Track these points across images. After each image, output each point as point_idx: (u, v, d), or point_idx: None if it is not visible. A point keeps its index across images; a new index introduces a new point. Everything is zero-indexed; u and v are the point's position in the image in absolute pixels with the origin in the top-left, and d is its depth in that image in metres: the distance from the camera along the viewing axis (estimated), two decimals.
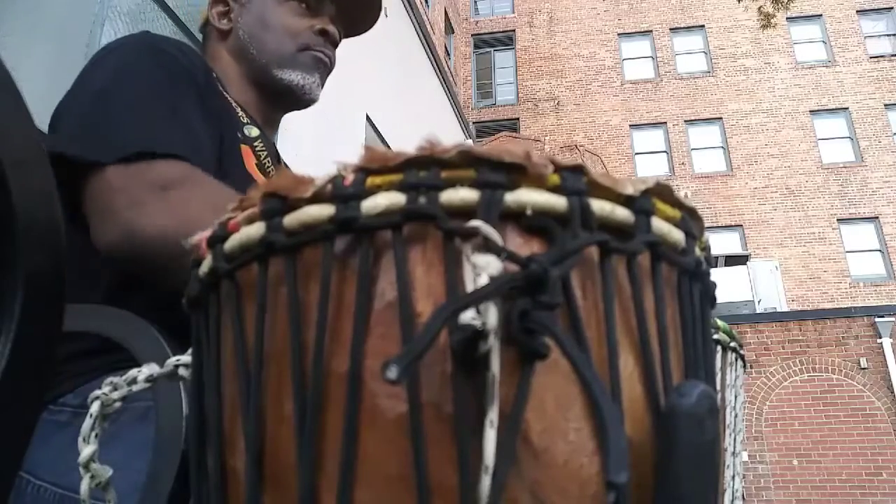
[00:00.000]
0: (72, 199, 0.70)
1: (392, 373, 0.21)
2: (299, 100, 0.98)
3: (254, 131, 0.91)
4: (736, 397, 0.71)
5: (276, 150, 1.00)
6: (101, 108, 0.72)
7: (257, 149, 0.89)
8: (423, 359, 0.23)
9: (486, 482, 0.22)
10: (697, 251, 0.31)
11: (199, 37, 1.03)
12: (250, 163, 0.86)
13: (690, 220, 0.30)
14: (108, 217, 0.68)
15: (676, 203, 0.29)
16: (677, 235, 0.29)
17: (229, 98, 0.90)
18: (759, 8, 10.17)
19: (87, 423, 0.37)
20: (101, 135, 0.70)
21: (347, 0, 1.00)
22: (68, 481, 0.60)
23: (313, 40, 0.96)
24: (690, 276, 0.30)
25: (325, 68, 0.98)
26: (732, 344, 0.71)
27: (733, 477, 0.68)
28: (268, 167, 0.90)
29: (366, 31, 1.06)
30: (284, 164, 1.02)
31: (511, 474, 0.23)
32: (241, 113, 0.91)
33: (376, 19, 1.06)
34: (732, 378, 0.71)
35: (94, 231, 0.69)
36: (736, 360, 0.72)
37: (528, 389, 0.23)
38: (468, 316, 0.22)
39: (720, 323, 0.69)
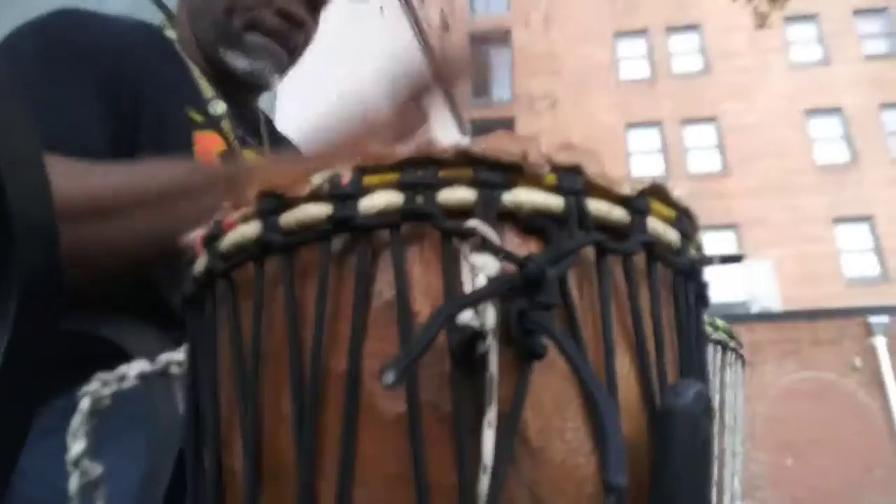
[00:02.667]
0: None
1: (389, 377, 0.21)
2: (249, 87, 0.84)
3: (219, 108, 0.78)
4: (735, 397, 0.71)
5: (257, 116, 0.89)
6: None
7: (225, 130, 0.78)
8: (421, 359, 0.23)
9: (484, 481, 0.22)
10: (692, 251, 0.31)
11: None
12: (209, 150, 0.75)
13: (685, 220, 0.30)
14: None
15: (671, 203, 0.29)
16: (672, 235, 0.29)
17: (191, 68, 0.80)
18: (754, 8, 10.19)
19: (77, 418, 0.37)
20: None
21: None
22: (57, 484, 0.60)
23: (267, 20, 0.80)
24: (685, 275, 0.30)
25: (281, 55, 0.83)
26: (732, 344, 0.71)
27: (732, 476, 0.69)
28: (233, 143, 0.78)
29: None
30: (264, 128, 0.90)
31: (509, 473, 0.23)
32: (203, 84, 0.80)
33: None
34: (732, 378, 0.71)
35: None
36: (735, 359, 0.72)
37: (525, 389, 0.23)
38: (466, 317, 0.22)
39: (720, 323, 0.69)
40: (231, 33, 0.79)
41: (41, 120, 0.65)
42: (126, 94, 0.72)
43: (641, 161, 16.01)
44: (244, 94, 0.87)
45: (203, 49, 0.82)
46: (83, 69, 0.71)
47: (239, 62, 0.80)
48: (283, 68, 0.85)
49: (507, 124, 16.93)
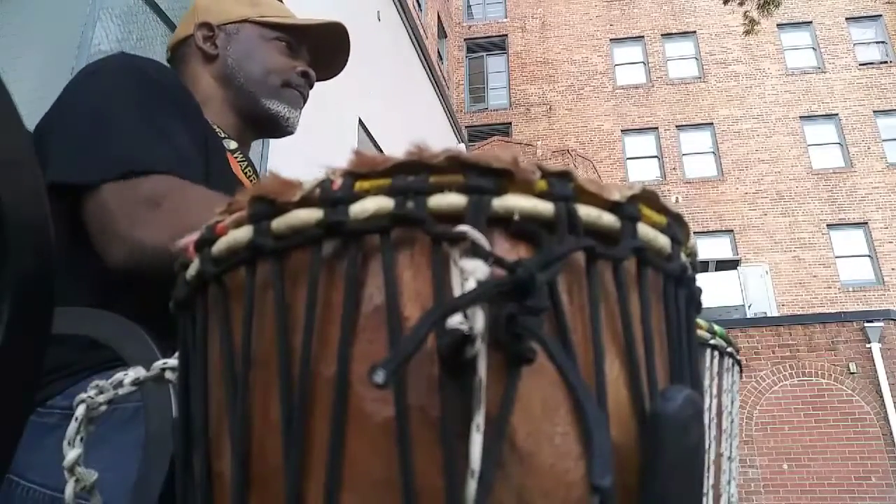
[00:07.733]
0: (74, 218, 0.73)
1: (379, 377, 0.21)
2: (280, 129, 1.04)
3: (232, 144, 0.97)
4: (732, 402, 0.71)
5: (253, 164, 1.07)
6: (90, 132, 0.76)
7: (238, 159, 0.96)
8: (410, 363, 0.23)
9: (472, 486, 0.22)
10: (683, 257, 0.31)
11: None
12: (236, 168, 0.93)
13: (676, 226, 0.30)
14: (111, 237, 0.71)
15: (662, 209, 0.30)
16: (663, 241, 0.29)
17: (206, 118, 0.95)
18: (745, 13, 10.22)
19: (72, 426, 0.37)
20: (93, 157, 0.74)
21: (321, 49, 1.07)
22: (58, 483, 0.60)
23: (296, 79, 1.03)
24: (676, 281, 0.30)
25: (302, 105, 1.06)
26: (729, 349, 0.71)
27: (729, 482, 0.69)
28: (250, 175, 0.96)
29: (333, 76, 1.14)
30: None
31: (497, 478, 0.23)
32: (217, 130, 0.96)
33: (342, 68, 1.13)
34: (729, 383, 0.71)
35: (102, 252, 0.72)
36: (732, 365, 0.72)
37: (514, 394, 0.23)
38: (455, 320, 0.22)
39: (717, 328, 0.70)
40: (272, 88, 1.00)
41: (160, 145, 0.76)
42: (190, 127, 0.84)
43: (638, 166, 16.04)
44: (263, 135, 1.07)
45: (238, 102, 1.00)
46: (175, 106, 0.84)
47: (280, 108, 1.01)
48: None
49: (504, 130, 16.96)
